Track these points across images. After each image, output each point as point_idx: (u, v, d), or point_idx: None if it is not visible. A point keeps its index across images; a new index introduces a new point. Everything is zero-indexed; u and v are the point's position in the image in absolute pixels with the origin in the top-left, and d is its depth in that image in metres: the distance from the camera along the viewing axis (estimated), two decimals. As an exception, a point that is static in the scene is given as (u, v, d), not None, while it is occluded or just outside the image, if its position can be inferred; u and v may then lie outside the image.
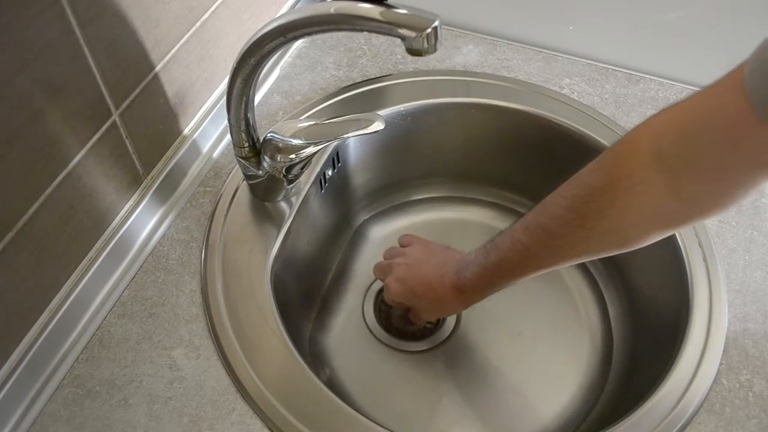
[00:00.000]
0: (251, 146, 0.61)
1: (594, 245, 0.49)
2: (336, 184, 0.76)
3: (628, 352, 0.70)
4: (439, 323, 0.75)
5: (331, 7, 0.46)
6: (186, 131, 0.68)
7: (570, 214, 0.48)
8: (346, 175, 0.78)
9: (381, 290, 0.76)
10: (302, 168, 0.63)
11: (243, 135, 0.59)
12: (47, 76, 0.47)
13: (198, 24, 0.63)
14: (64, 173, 0.52)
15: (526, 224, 0.53)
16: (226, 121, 0.70)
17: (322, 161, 0.71)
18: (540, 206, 0.52)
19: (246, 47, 0.51)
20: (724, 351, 0.57)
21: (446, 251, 0.64)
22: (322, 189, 0.73)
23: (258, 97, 0.76)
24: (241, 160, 0.62)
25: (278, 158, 0.60)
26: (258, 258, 0.62)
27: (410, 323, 0.72)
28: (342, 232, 0.82)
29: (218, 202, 0.67)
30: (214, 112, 0.70)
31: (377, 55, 0.82)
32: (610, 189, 0.45)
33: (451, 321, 0.75)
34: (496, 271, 0.56)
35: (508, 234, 0.54)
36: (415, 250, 0.66)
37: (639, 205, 0.45)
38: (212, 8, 0.65)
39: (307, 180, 0.69)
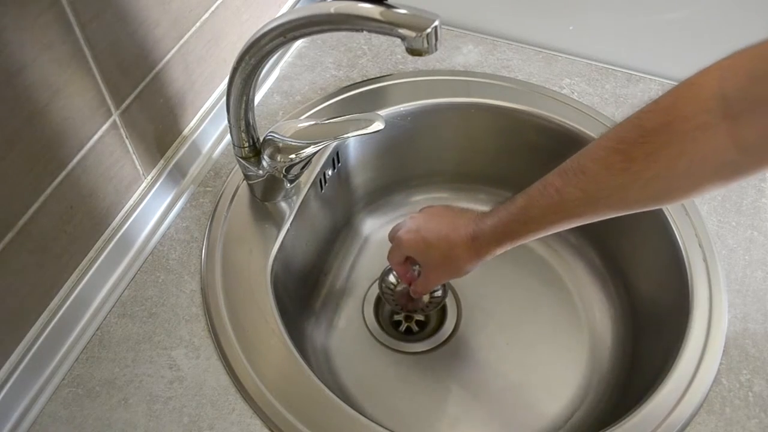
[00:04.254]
0: (251, 146, 0.61)
1: (634, 194, 0.45)
2: (336, 184, 0.76)
3: (628, 353, 0.70)
4: (442, 298, 0.73)
5: (331, 7, 0.46)
6: (186, 131, 0.68)
7: (615, 155, 0.45)
8: (346, 175, 0.78)
9: (380, 295, 0.75)
10: (302, 168, 0.63)
11: (243, 135, 0.59)
12: (47, 76, 0.47)
13: (198, 24, 0.63)
14: (64, 173, 0.52)
15: (562, 168, 0.49)
16: (226, 121, 0.70)
17: (322, 161, 0.71)
18: (581, 150, 0.48)
19: (246, 47, 0.51)
20: (724, 351, 0.57)
21: (463, 209, 0.62)
22: (322, 189, 0.73)
23: (258, 97, 0.76)
24: (241, 160, 0.62)
25: (278, 158, 0.60)
26: (258, 258, 0.62)
27: (412, 301, 0.71)
28: (342, 232, 0.82)
29: (218, 202, 0.67)
30: (214, 112, 0.70)
31: (377, 55, 0.82)
32: (665, 131, 0.42)
33: (450, 322, 0.75)
34: (519, 216, 0.52)
35: (541, 180, 0.50)
36: (429, 209, 0.64)
37: (694, 152, 0.41)
38: (212, 8, 0.65)
39: (307, 180, 0.69)
